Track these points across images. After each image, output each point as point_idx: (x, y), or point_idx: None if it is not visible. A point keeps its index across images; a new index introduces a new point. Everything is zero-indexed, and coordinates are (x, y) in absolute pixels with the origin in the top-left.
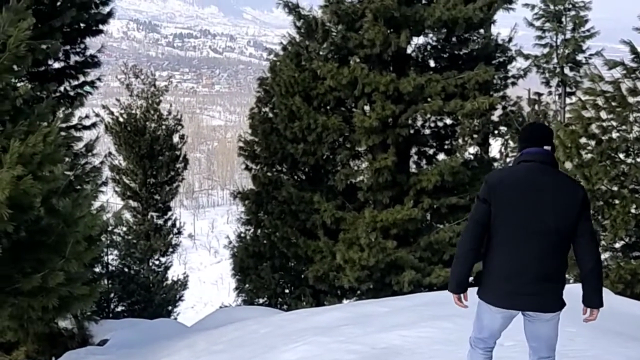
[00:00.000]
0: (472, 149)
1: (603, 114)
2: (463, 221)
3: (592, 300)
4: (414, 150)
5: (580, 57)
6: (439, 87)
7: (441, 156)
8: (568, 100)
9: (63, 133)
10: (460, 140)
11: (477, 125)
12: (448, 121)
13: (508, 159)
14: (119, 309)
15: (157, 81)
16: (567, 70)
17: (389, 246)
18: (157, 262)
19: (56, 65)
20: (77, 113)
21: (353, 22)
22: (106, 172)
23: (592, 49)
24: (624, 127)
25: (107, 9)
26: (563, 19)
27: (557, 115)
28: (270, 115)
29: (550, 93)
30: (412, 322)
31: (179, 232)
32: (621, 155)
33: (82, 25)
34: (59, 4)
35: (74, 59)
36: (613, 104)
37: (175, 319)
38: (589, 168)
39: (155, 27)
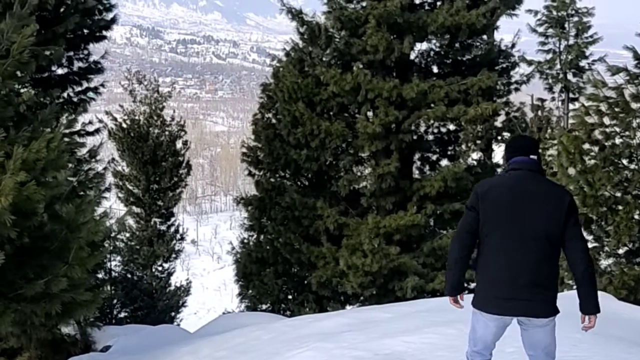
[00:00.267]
0: (476, 155)
1: (606, 120)
2: None
3: (588, 307)
4: (417, 156)
5: (583, 63)
6: (442, 93)
7: (444, 162)
8: (571, 106)
9: (66, 139)
10: (463, 146)
11: (480, 131)
12: (451, 127)
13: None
14: (122, 315)
15: (160, 87)
16: (570, 76)
17: (392, 252)
18: (160, 268)
19: (60, 71)
20: (81, 119)
21: (356, 28)
22: (109, 178)
23: (595, 54)
24: (627, 133)
25: (110, 15)
26: (566, 25)
27: (560, 121)
28: (274, 121)
29: (553, 99)
30: (415, 328)
31: (182, 238)
32: (624, 161)
33: (85, 31)
34: (62, 10)
35: (77, 65)
36: (616, 109)
37: (178, 325)
38: (592, 174)
39: (159, 33)
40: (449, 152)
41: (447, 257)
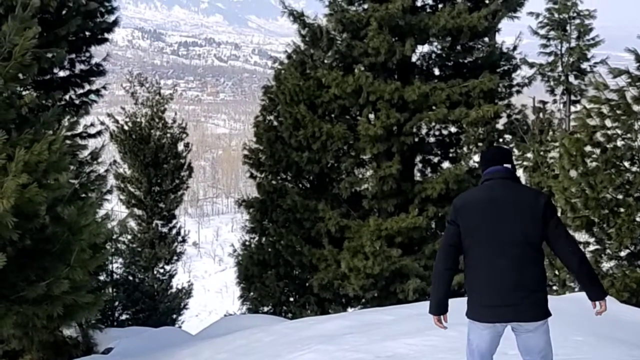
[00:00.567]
0: (477, 157)
1: (608, 122)
2: None
3: (594, 293)
4: (418, 158)
5: (584, 65)
6: (444, 95)
7: (446, 164)
8: (573, 109)
9: (68, 141)
10: (465, 149)
11: (482, 134)
12: (453, 129)
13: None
14: (124, 317)
15: (161, 89)
16: (571, 79)
17: (394, 254)
18: (161, 270)
19: (61, 73)
20: (83, 121)
21: (358, 31)
22: (111, 180)
23: (597, 57)
24: (628, 135)
25: (112, 18)
26: (568, 28)
27: (562, 123)
28: (275, 123)
29: (555, 101)
30: (417, 331)
31: (184, 240)
32: (626, 164)
33: (87, 33)
34: (64, 12)
35: (79, 67)
36: (618, 112)
37: (180, 327)
38: (593, 176)
39: (160, 35)
40: (450, 155)
41: None
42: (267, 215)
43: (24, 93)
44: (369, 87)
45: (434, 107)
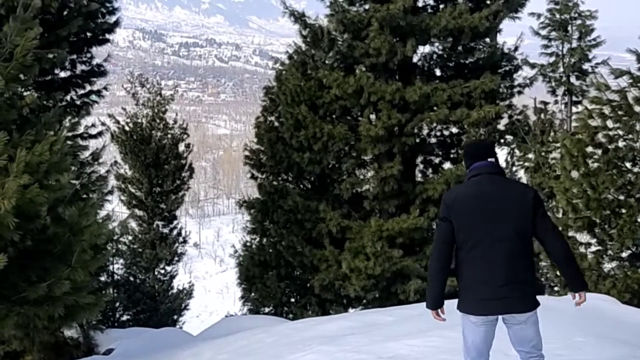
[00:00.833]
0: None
1: (609, 123)
2: None
3: (576, 285)
4: (419, 159)
5: (586, 66)
6: (445, 95)
7: (447, 165)
8: (574, 109)
9: (69, 142)
10: None
11: (483, 134)
12: (454, 130)
13: (514, 168)
14: (125, 318)
15: (162, 90)
16: (573, 79)
17: (395, 255)
18: (162, 271)
19: (63, 74)
20: (84, 122)
21: (359, 31)
22: (112, 181)
23: (598, 57)
24: (630, 136)
25: (113, 19)
26: (569, 28)
27: (564, 124)
28: (276, 124)
29: (556, 102)
30: (418, 331)
31: (185, 241)
32: (628, 164)
33: (88, 34)
34: (65, 13)
35: (80, 68)
36: (619, 112)
37: (181, 328)
38: (595, 177)
39: (161, 36)
40: (451, 155)
41: None
42: (268, 216)
43: (25, 94)
44: (370, 88)
45: (435, 108)
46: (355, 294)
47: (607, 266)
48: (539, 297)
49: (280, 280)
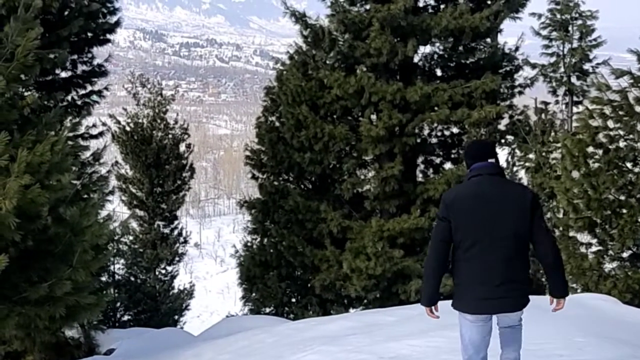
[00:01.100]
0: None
1: (610, 123)
2: None
3: (558, 291)
4: (420, 159)
5: (587, 66)
6: (446, 96)
7: (448, 165)
8: (575, 110)
9: (70, 142)
10: None
11: (484, 134)
12: (455, 130)
13: (515, 168)
14: (126, 318)
15: (163, 90)
16: (574, 79)
17: (396, 255)
18: (163, 271)
19: (63, 74)
20: (85, 122)
21: (360, 31)
22: (113, 181)
23: (599, 58)
24: (631, 136)
25: (114, 19)
26: (570, 28)
27: (564, 124)
28: (277, 124)
29: (557, 102)
30: (420, 332)
31: (185, 241)
32: (628, 165)
33: (89, 34)
34: (66, 13)
35: (81, 68)
36: (620, 113)
37: (182, 328)
38: (596, 177)
39: (162, 36)
40: (452, 155)
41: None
42: (269, 216)
43: (26, 94)
44: (371, 88)
45: (436, 108)
46: (356, 294)
47: (608, 266)
48: (538, 297)
49: (281, 280)
